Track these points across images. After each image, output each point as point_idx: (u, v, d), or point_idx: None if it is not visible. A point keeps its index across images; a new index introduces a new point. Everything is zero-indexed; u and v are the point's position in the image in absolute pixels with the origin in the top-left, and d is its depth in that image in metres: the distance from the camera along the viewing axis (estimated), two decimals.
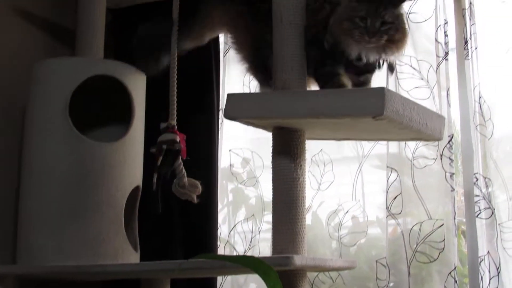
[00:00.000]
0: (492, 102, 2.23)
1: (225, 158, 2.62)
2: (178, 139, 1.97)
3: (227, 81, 2.66)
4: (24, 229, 2.07)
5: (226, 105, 1.71)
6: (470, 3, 2.28)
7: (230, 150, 2.62)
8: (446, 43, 2.30)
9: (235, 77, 2.64)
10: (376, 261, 2.32)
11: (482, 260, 2.15)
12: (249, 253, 2.50)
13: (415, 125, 1.69)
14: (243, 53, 2.05)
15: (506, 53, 2.23)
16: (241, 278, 2.51)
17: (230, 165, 2.61)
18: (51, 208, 2.02)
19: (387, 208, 2.29)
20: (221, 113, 2.58)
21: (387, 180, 2.30)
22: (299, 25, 1.85)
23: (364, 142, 2.41)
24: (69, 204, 2.01)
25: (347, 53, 1.73)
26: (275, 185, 1.80)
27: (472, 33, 2.26)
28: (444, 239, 2.22)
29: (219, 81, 2.63)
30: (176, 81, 2.04)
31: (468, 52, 2.26)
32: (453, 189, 2.21)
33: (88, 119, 2.25)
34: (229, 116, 1.73)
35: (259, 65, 2.00)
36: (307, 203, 2.10)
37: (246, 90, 2.58)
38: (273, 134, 1.83)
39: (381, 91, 1.56)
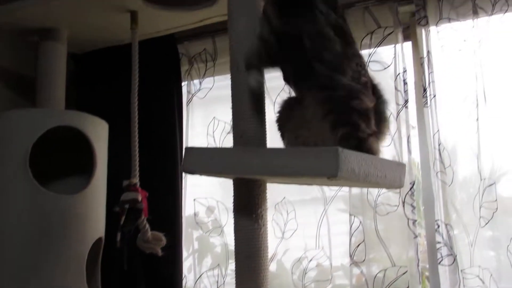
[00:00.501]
0: (451, 148, 2.26)
1: (189, 207, 2.61)
2: (140, 198, 1.98)
3: (191, 131, 2.67)
4: None
5: (184, 159, 1.72)
6: (428, 52, 2.32)
7: (194, 200, 2.61)
8: (405, 91, 2.34)
9: (198, 127, 2.65)
10: None
11: None
12: None
13: (373, 179, 1.69)
14: None
15: (464, 101, 2.26)
16: None
17: (195, 213, 2.60)
18: (13, 262, 1.99)
19: (350, 256, 2.29)
20: None
21: (350, 227, 2.31)
22: None
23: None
24: (31, 257, 1.99)
25: None
26: (237, 235, 1.79)
27: (430, 81, 2.30)
28: (408, 286, 2.22)
29: (182, 130, 2.64)
30: (137, 138, 2.06)
31: (427, 100, 2.29)
32: (416, 236, 2.22)
33: (50, 170, 2.23)
34: (187, 170, 1.73)
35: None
36: (272, 251, 2.09)
37: (210, 140, 2.60)
38: (233, 184, 1.83)
39: (335, 151, 1.55)
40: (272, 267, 2.32)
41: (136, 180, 2.07)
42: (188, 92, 2.70)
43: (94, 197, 2.13)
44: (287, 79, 1.66)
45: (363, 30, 2.43)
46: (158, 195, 2.37)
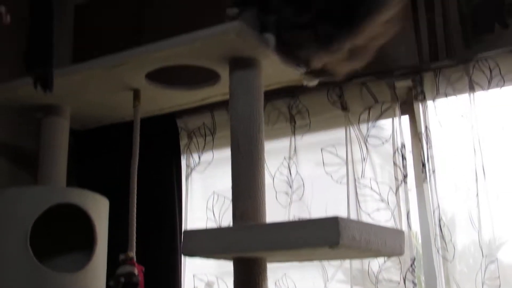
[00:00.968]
0: (452, 223, 2.26)
1: (189, 282, 2.59)
2: (136, 272, 1.98)
3: (190, 205, 2.67)
4: None
5: (183, 242, 1.72)
6: (426, 127, 2.34)
7: (194, 275, 2.59)
8: (404, 166, 2.35)
9: (198, 201, 2.65)
10: None
11: None
12: None
13: (374, 246, 1.70)
14: None
15: (463, 176, 2.27)
16: None
17: None
18: None
19: None
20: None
21: None
22: (257, 153, 1.89)
23: (328, 265, 2.41)
24: None
25: None
26: None
27: (429, 156, 2.31)
28: None
29: (181, 205, 2.64)
30: (135, 212, 2.06)
31: (426, 175, 2.30)
32: None
33: (50, 246, 2.22)
34: (187, 253, 1.73)
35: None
36: None
37: (210, 214, 2.59)
38: (233, 265, 1.83)
39: (335, 221, 1.57)
40: None
41: (132, 254, 2.07)
42: (187, 166, 2.71)
43: (95, 274, 2.12)
44: None
45: (361, 105, 2.46)
46: (157, 270, 2.36)
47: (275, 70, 2.08)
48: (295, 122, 2.54)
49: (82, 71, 2.10)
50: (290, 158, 2.52)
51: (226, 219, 2.56)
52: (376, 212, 2.35)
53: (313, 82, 2.10)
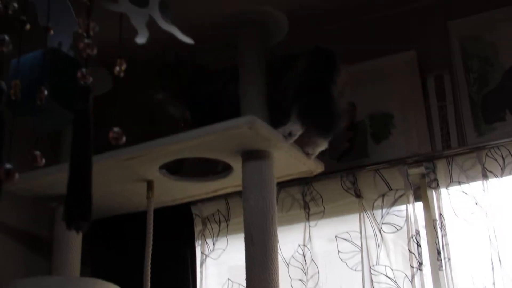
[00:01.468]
0: None
1: None
2: None
3: None
4: None
5: None
6: (440, 214, 2.34)
7: None
8: (419, 254, 2.33)
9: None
10: None
11: None
12: None
13: None
14: None
15: (479, 264, 2.25)
16: None
17: None
18: None
19: None
20: None
21: None
22: (271, 245, 1.90)
23: None
24: None
25: None
26: None
27: (444, 244, 2.30)
28: None
29: None
30: None
31: (441, 263, 2.29)
32: None
33: None
34: None
35: None
36: None
37: None
38: None
39: None
40: None
41: None
42: (202, 252, 2.70)
43: None
44: None
45: (375, 193, 2.46)
46: None
47: (286, 162, 2.11)
48: (309, 209, 2.55)
49: (97, 162, 2.11)
50: (304, 245, 2.52)
51: None
52: None
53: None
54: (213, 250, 2.72)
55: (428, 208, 2.42)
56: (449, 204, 2.34)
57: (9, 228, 2.53)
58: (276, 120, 2.10)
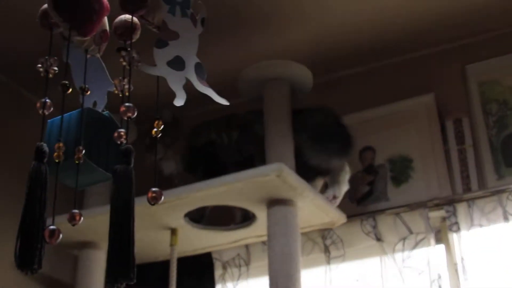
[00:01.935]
0: None
1: None
2: None
3: None
4: None
5: None
6: (462, 258, 2.33)
7: None
8: None
9: None
10: None
11: None
12: None
13: None
14: None
15: None
16: None
17: None
18: None
19: None
20: None
21: None
22: None
23: None
24: None
25: None
26: None
27: (466, 287, 2.29)
28: None
29: None
30: None
31: None
32: None
33: None
34: None
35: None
36: None
37: None
38: None
39: None
40: None
41: None
42: None
43: None
44: None
45: (395, 236, 2.46)
46: None
47: (309, 212, 2.13)
48: (329, 253, 2.55)
49: None
50: None
51: None
52: None
53: None
54: None
55: (449, 252, 2.41)
56: (470, 247, 2.34)
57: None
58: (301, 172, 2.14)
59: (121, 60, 0.98)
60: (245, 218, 2.35)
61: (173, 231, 2.27)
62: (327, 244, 2.56)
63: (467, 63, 2.57)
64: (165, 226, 2.27)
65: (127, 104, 0.95)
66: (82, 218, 1.01)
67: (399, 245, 2.46)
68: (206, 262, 2.70)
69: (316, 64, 2.53)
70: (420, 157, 2.54)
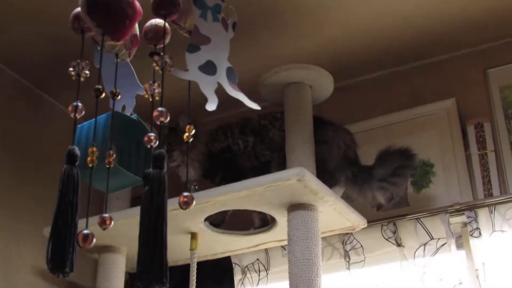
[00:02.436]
0: None
1: None
2: None
3: None
4: None
5: None
6: (483, 263, 2.32)
7: None
8: None
9: None
10: None
11: None
12: None
13: None
14: None
15: None
16: None
17: None
18: None
19: None
20: None
21: None
22: None
23: None
24: None
25: None
26: None
27: None
28: None
29: None
30: None
31: None
32: None
33: None
34: None
35: None
36: None
37: None
38: None
39: None
40: None
41: None
42: None
43: None
44: None
45: (416, 242, 2.45)
46: None
47: (330, 217, 2.13)
48: (349, 258, 2.54)
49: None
50: None
51: None
52: None
53: None
54: None
55: (470, 257, 2.40)
56: (492, 253, 2.32)
57: (52, 277, 2.54)
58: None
59: (154, 64, 0.98)
60: (264, 222, 2.35)
61: (193, 235, 2.27)
62: (347, 250, 2.55)
63: (489, 67, 2.56)
64: (185, 230, 2.27)
65: (160, 108, 0.96)
66: (112, 222, 1.01)
67: (420, 251, 2.44)
68: (226, 267, 2.71)
69: (337, 68, 2.52)
70: (441, 162, 2.53)
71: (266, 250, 2.71)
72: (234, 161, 2.38)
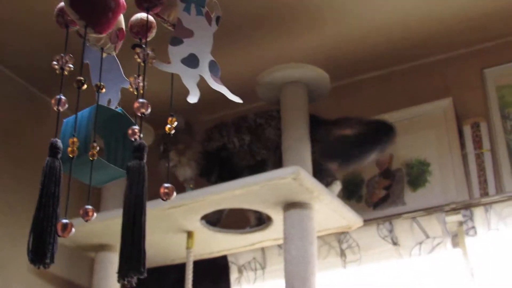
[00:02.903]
0: None
1: None
2: None
3: None
4: None
5: None
6: (479, 262, 2.31)
7: None
8: None
9: None
10: None
11: None
12: None
13: None
14: None
15: None
16: None
17: None
18: None
19: None
20: None
21: None
22: None
23: None
24: None
25: None
26: None
27: None
28: None
29: None
30: None
31: None
32: None
33: None
34: None
35: None
36: None
37: None
38: None
39: None
40: None
41: None
42: None
43: None
44: None
45: (412, 240, 2.45)
46: None
47: (326, 216, 2.13)
48: (345, 256, 2.54)
49: None
50: None
51: None
52: None
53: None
54: None
55: (466, 256, 2.39)
56: (487, 251, 2.32)
57: (49, 276, 2.55)
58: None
59: (136, 57, 0.99)
60: (260, 221, 2.35)
61: (189, 234, 2.28)
62: (343, 248, 2.55)
63: (485, 67, 2.56)
64: (182, 229, 2.27)
65: (141, 100, 0.96)
66: (95, 214, 1.01)
67: (416, 250, 2.45)
68: (222, 265, 2.71)
69: (333, 68, 2.53)
70: (437, 161, 2.53)
71: (262, 248, 2.71)
72: (230, 160, 2.39)
